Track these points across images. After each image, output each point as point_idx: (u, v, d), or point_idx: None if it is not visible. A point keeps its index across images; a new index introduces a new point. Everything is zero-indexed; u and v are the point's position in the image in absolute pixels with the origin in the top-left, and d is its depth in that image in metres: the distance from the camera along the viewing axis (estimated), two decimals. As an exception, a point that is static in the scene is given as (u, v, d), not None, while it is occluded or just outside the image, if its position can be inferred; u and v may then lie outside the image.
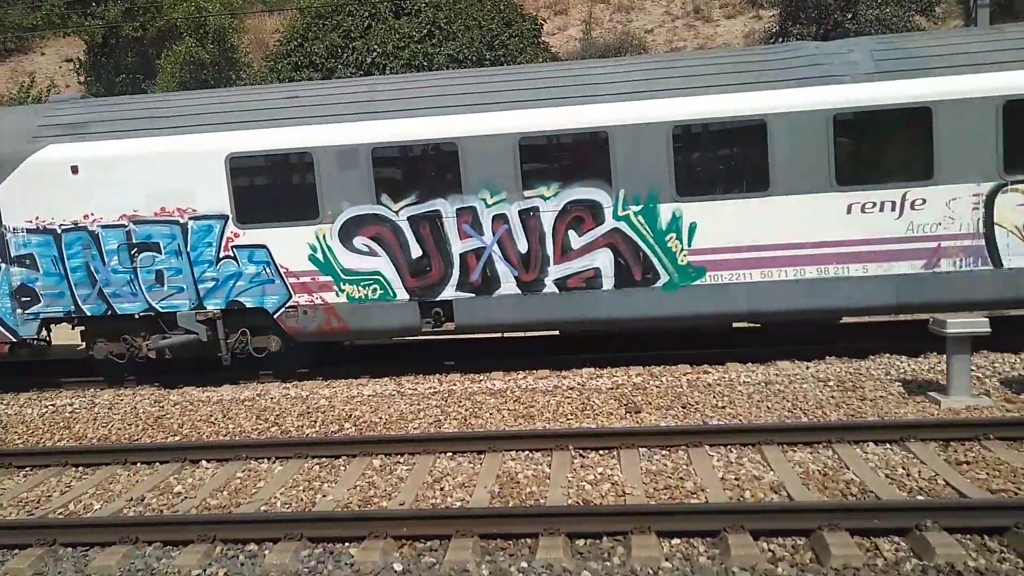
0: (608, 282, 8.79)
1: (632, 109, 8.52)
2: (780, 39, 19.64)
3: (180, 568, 4.93)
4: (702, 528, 4.90)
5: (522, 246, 8.84)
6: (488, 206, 8.81)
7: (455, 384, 8.88)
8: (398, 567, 4.74)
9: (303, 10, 21.56)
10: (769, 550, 4.70)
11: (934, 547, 4.47)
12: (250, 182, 9.09)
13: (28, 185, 9.22)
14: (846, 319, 9.65)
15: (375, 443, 6.80)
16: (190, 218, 9.13)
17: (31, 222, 9.28)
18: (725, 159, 8.65)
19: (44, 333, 9.78)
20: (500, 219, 8.82)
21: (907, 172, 8.34)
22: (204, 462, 6.86)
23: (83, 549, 5.29)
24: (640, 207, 8.63)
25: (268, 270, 9.15)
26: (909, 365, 8.45)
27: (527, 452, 6.48)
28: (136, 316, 9.35)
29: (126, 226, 9.20)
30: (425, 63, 19.26)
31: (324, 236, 9.01)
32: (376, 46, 19.71)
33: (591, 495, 5.60)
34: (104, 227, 9.21)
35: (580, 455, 6.36)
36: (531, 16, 20.58)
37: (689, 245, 8.65)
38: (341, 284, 9.09)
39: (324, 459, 6.72)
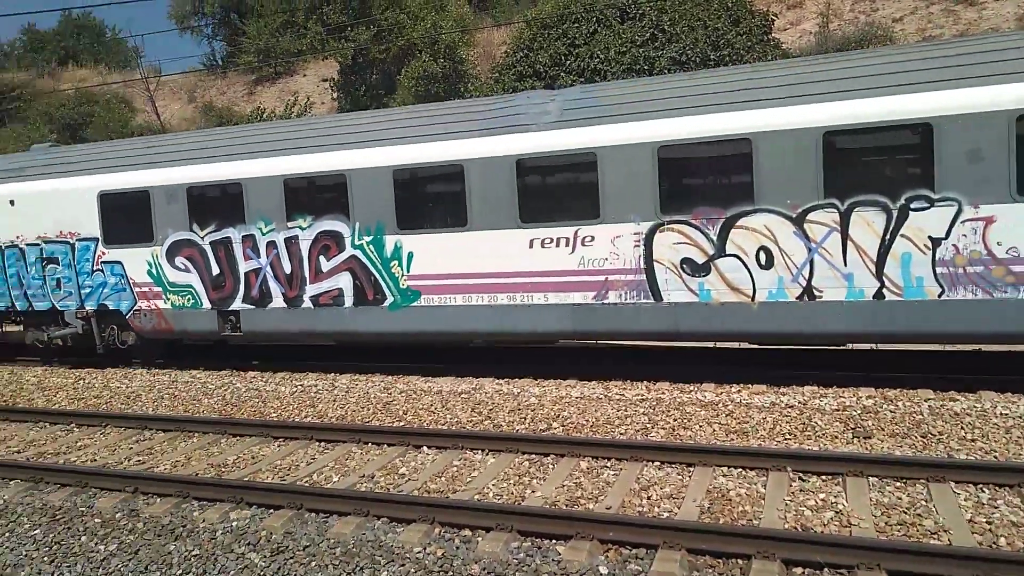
0: (349, 300, 10.29)
1: (364, 155, 9.96)
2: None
3: (403, 543, 5.35)
4: (944, 574, 4.35)
5: (287, 268, 10.58)
6: (263, 234, 10.64)
7: (664, 392, 8.72)
8: (604, 570, 4.76)
9: (530, 22, 22.42)
10: (1031, 611, 4.06)
11: None
12: (111, 212, 11.63)
13: None
14: None
15: (583, 445, 6.88)
16: (76, 240, 11.89)
17: None
18: (434, 198, 9.86)
19: None
20: (271, 245, 10.62)
21: (579, 212, 9.02)
22: (425, 448, 7.37)
23: (324, 516, 5.92)
24: (371, 238, 10.06)
25: (123, 281, 11.65)
26: None
27: (740, 469, 6.19)
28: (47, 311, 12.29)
29: (41, 247, 12.15)
30: (646, 67, 19.14)
31: (157, 255, 11.34)
32: (599, 52, 19.94)
33: (811, 522, 5.21)
34: (28, 245, 12.27)
35: (799, 478, 5.95)
36: (761, 12, 19.63)
37: (408, 272, 9.94)
38: (167, 294, 11.37)
39: (533, 456, 6.91)
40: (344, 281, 10.27)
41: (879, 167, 7.98)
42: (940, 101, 7.55)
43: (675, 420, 7.71)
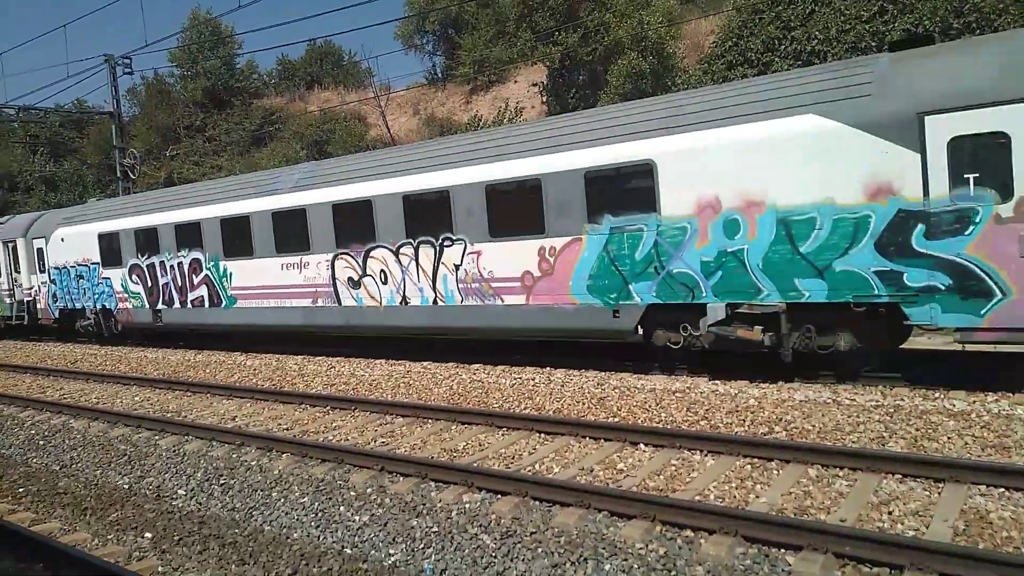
0: (207, 303, 15.88)
1: (207, 210, 15.67)
2: None
3: (625, 538, 5.45)
4: None
5: (179, 282, 16.47)
6: (168, 259, 16.62)
7: (902, 399, 8.01)
8: (839, 586, 4.52)
9: (740, 7, 21.50)
10: None
11: None
12: (104, 246, 18.35)
13: (52, 246, 20.07)
14: None
15: (811, 451, 6.54)
16: (91, 263, 18.75)
17: (55, 263, 19.98)
18: (239, 236, 15.01)
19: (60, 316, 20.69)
20: (172, 267, 16.58)
21: (301, 245, 13.88)
22: (642, 445, 7.41)
23: (548, 505, 6.18)
24: (214, 262, 15.55)
25: (111, 290, 18.30)
26: None
27: (1003, 489, 5.54)
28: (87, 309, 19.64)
29: (76, 268, 19.26)
30: (874, 44, 17.54)
31: (124, 274, 17.82)
32: (818, 32, 18.65)
33: (1097, 556, 4.54)
34: (71, 267, 19.45)
35: (1081, 505, 5.19)
36: (1017, -32, 17.14)
37: (231, 284, 15.27)
38: (130, 299, 17.85)
39: (756, 460, 6.70)
40: (204, 291, 15.88)
41: (430, 217, 12.04)
42: (453, 177, 11.71)
43: (917, 430, 7.07)
